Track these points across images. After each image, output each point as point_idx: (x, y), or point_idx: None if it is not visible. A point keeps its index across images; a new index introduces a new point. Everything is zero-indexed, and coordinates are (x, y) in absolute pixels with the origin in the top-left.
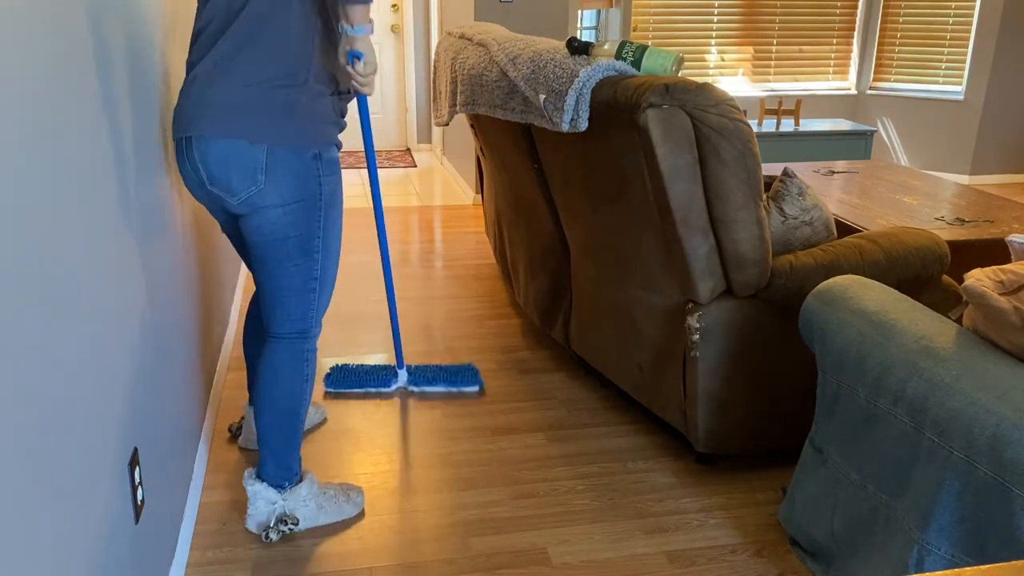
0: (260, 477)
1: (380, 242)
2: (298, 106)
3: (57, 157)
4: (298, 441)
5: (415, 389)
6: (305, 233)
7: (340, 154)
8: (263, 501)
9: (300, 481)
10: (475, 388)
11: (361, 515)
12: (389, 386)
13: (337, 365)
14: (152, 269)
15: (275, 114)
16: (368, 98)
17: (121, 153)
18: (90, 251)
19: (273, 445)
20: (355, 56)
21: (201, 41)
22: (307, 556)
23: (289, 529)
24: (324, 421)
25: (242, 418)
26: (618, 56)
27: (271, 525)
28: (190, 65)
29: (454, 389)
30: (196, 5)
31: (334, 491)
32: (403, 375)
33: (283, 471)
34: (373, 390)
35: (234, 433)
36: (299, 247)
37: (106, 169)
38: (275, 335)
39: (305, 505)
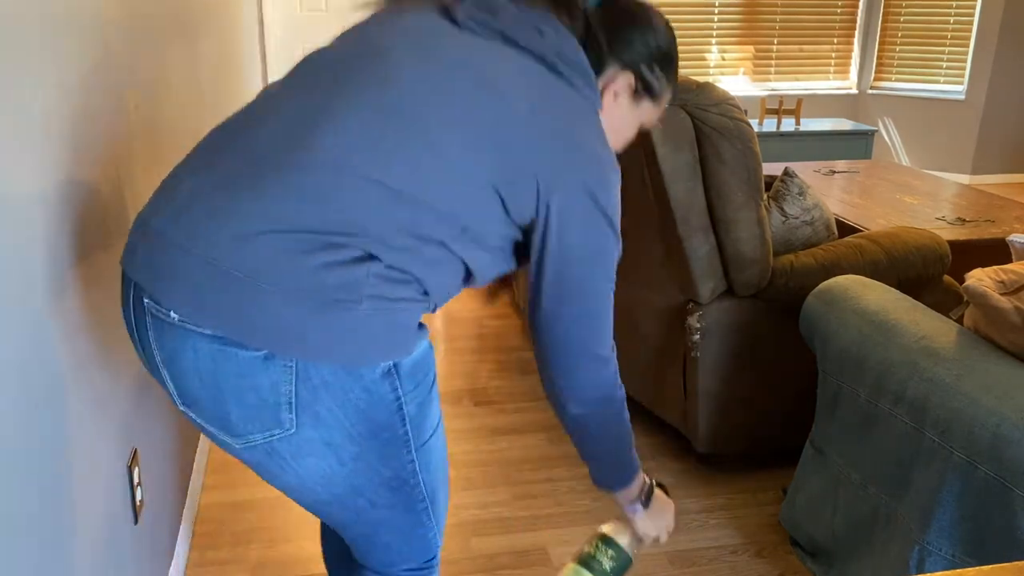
0: None
1: None
2: (359, 294)
3: (58, 159)
4: None
5: None
6: (389, 476)
7: None
8: None
9: None
10: None
11: None
12: None
13: None
14: None
15: (315, 303)
16: None
17: (126, 151)
18: (90, 252)
19: None
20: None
21: (215, 145)
22: (307, 556)
23: None
24: None
25: None
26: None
27: None
28: (178, 175)
29: None
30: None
31: None
32: None
33: None
34: None
35: None
36: (385, 489)
37: (105, 169)
38: (386, 573)
39: None
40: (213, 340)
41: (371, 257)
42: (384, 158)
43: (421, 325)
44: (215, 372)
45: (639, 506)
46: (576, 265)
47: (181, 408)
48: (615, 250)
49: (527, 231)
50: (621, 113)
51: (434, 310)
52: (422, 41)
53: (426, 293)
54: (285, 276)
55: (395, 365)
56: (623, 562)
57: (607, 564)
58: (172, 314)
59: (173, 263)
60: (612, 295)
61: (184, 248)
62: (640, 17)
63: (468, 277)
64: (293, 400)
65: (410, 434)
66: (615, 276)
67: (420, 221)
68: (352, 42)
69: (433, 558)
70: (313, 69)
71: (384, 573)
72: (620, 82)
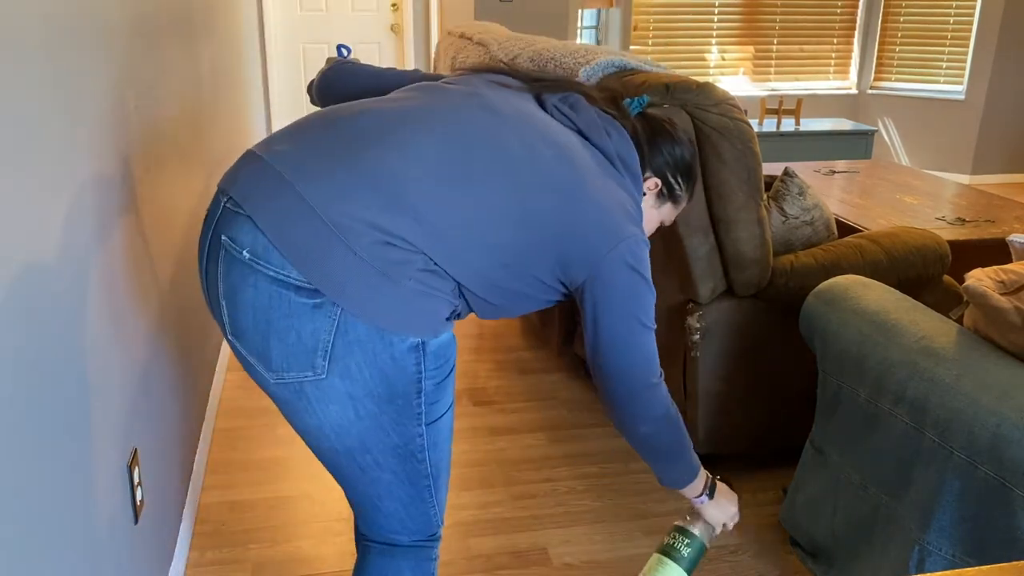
0: None
1: None
2: (406, 274)
3: (59, 156)
4: None
5: None
6: (398, 443)
7: None
8: None
9: None
10: None
11: None
12: None
13: None
14: (153, 269)
15: (368, 272)
16: None
17: (126, 150)
18: (90, 253)
19: None
20: None
21: (340, 115)
22: (307, 556)
23: None
24: None
25: None
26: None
27: None
28: (296, 130)
29: None
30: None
31: None
32: None
33: None
34: None
35: None
36: (392, 456)
37: (104, 169)
38: (388, 543)
39: None
40: (273, 281)
41: (426, 257)
42: (469, 187)
43: (449, 318)
44: (268, 308)
45: (705, 498)
46: (622, 319)
47: (229, 338)
48: (651, 299)
49: (567, 288)
50: (647, 209)
51: (460, 316)
52: (523, 110)
53: (461, 295)
54: (354, 238)
55: (423, 343)
56: (697, 548)
57: (684, 551)
58: (244, 252)
59: (272, 186)
60: (654, 334)
61: (287, 180)
62: (669, 131)
63: (493, 306)
64: (329, 349)
65: (423, 407)
66: (654, 319)
67: (473, 251)
68: (466, 90)
69: (433, 535)
70: (439, 93)
71: (385, 541)
72: (649, 183)
